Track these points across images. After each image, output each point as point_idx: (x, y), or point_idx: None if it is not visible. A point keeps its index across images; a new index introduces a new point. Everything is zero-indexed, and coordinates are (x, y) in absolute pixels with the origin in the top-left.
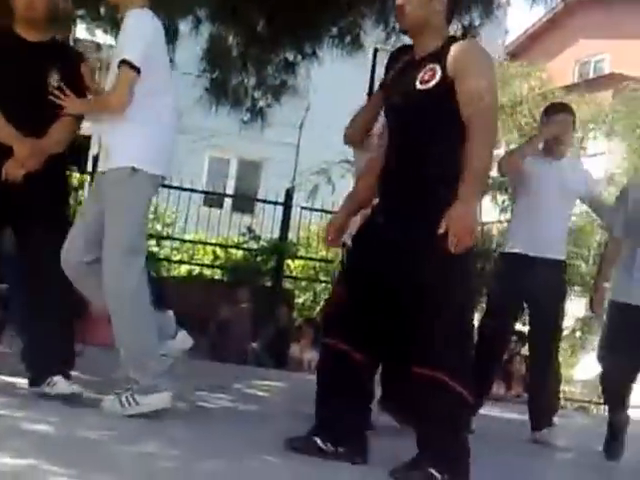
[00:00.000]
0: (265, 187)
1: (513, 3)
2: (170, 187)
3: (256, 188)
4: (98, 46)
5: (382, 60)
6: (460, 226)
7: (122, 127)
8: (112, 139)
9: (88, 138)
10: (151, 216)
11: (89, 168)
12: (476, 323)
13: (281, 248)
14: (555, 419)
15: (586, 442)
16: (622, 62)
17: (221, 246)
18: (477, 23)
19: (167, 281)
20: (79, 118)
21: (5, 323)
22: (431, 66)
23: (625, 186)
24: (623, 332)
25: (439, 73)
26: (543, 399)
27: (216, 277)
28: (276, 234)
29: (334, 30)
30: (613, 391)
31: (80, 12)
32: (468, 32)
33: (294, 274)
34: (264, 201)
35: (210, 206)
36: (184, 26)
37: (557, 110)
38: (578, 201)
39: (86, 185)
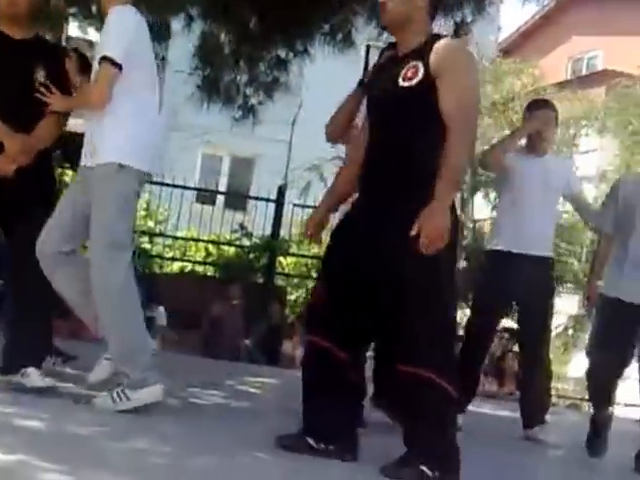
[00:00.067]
0: (257, 184)
1: (506, 0)
2: (162, 184)
3: (248, 185)
4: (90, 44)
5: (374, 57)
6: (432, 227)
7: (108, 123)
8: (99, 135)
9: (82, 135)
10: (143, 213)
11: None
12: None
13: (273, 245)
14: (547, 416)
15: (578, 439)
16: (615, 59)
17: (213, 243)
18: (469, 20)
19: (159, 278)
20: (65, 114)
21: None
22: (414, 63)
23: (615, 182)
24: (612, 327)
25: (422, 70)
26: (534, 396)
27: (208, 274)
28: (268, 231)
29: (326, 27)
30: (598, 386)
31: (72, 10)
32: (460, 29)
33: (286, 271)
34: (256, 198)
35: (202, 203)
36: (176, 24)
37: (539, 106)
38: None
39: None
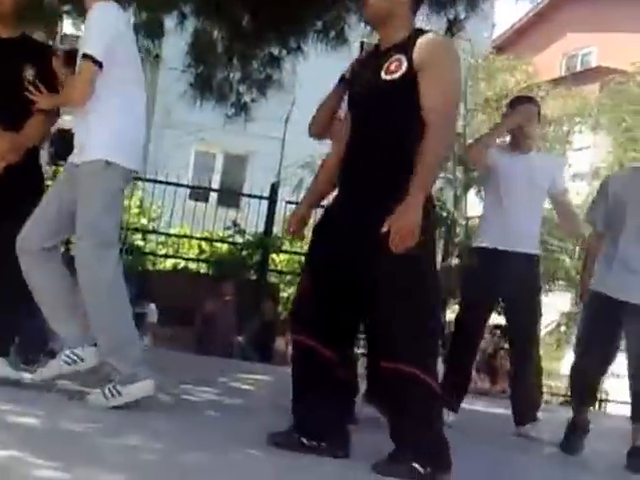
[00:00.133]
0: (251, 181)
1: None
2: (155, 181)
3: (242, 182)
4: None
5: None
6: (402, 224)
7: (93, 120)
8: (84, 132)
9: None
10: (137, 210)
11: None
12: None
13: (266, 242)
14: (539, 414)
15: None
16: (609, 55)
17: (206, 240)
18: (462, 17)
19: (152, 275)
20: (55, 112)
21: None
22: (397, 57)
23: (605, 179)
24: (597, 322)
25: (405, 64)
26: (525, 393)
27: (201, 271)
28: (261, 228)
29: (319, 24)
30: (582, 382)
31: (66, 8)
32: (453, 26)
33: (279, 268)
34: (249, 195)
35: (196, 200)
36: (169, 21)
37: (521, 101)
38: None
39: None
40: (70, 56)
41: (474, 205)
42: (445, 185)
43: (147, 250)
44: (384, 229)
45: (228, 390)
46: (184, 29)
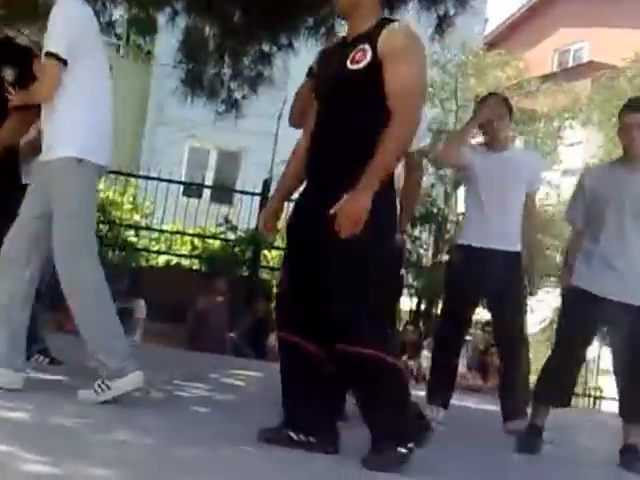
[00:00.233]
0: (244, 177)
1: None
2: (148, 178)
3: (235, 178)
4: None
5: None
6: (347, 211)
7: (60, 116)
8: (52, 129)
9: None
10: (130, 206)
11: None
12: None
13: (258, 238)
14: (529, 410)
15: (562, 434)
16: (602, 50)
17: (199, 236)
18: (452, 13)
19: (145, 271)
20: (32, 113)
21: None
22: (362, 46)
23: (581, 176)
24: (577, 319)
25: (370, 53)
26: (512, 390)
27: (194, 267)
28: (254, 224)
29: (309, 21)
30: (554, 378)
31: None
32: (443, 22)
33: (271, 264)
34: (241, 192)
35: (189, 196)
36: (161, 17)
37: (490, 97)
38: (554, 192)
39: None
40: None
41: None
42: (436, 182)
43: (140, 246)
44: (331, 212)
45: (219, 386)
46: (175, 26)
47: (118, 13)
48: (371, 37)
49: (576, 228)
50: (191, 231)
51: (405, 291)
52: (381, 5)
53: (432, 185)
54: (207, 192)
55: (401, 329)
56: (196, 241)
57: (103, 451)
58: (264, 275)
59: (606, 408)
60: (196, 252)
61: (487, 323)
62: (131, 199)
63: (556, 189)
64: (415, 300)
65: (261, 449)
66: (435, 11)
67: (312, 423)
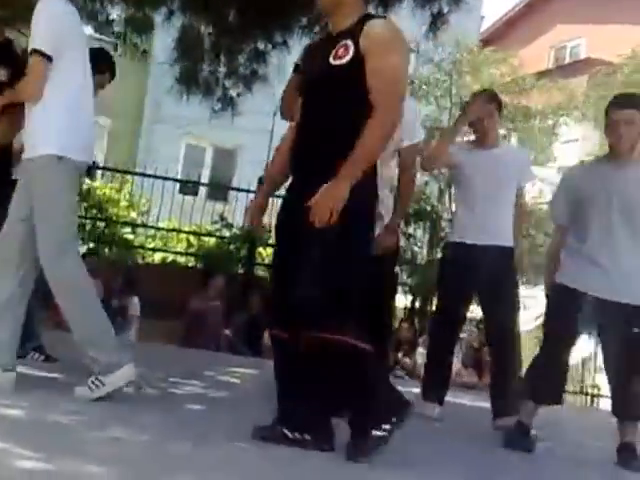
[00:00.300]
0: (240, 174)
1: None
2: (144, 175)
3: (231, 176)
4: None
5: None
6: (321, 201)
7: (42, 114)
8: (33, 126)
9: None
10: (126, 204)
11: None
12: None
13: (253, 236)
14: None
15: (557, 431)
16: (599, 47)
17: (194, 234)
18: (446, 11)
19: (141, 268)
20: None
21: None
22: (345, 42)
23: (565, 174)
24: (562, 316)
25: (352, 49)
26: (502, 387)
27: (190, 265)
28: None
29: (304, 20)
30: (542, 378)
31: None
32: (437, 20)
33: (266, 262)
34: (237, 189)
35: (185, 194)
36: (157, 16)
37: (480, 96)
38: (548, 189)
39: None
40: None
41: None
42: (430, 179)
43: (136, 244)
44: (309, 203)
45: (215, 383)
46: (171, 25)
47: (115, 13)
48: (353, 33)
49: (560, 225)
50: (187, 228)
51: (400, 289)
52: (364, 1)
53: (426, 183)
54: (203, 190)
55: (396, 327)
56: (192, 238)
57: (98, 448)
58: (259, 272)
59: (604, 406)
60: (192, 249)
61: (481, 321)
62: (127, 196)
63: (551, 186)
64: (410, 298)
65: (257, 446)
66: (429, 9)
67: (307, 420)
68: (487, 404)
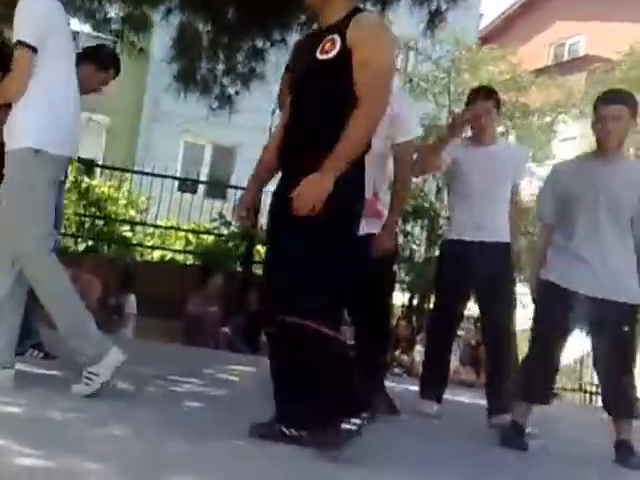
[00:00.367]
0: (239, 172)
1: None
2: (143, 173)
3: (230, 173)
4: (75, 35)
5: None
6: (303, 192)
7: (23, 109)
8: (14, 120)
9: None
10: (125, 202)
11: None
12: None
13: (251, 233)
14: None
15: (555, 430)
16: (598, 44)
17: (193, 232)
18: (444, 8)
19: (140, 266)
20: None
21: None
22: (331, 36)
23: (552, 170)
24: (549, 314)
25: (339, 43)
26: (497, 385)
27: (188, 262)
28: None
29: (302, 17)
30: (532, 378)
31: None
32: (435, 17)
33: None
34: (235, 187)
35: (184, 192)
36: (155, 15)
37: (478, 94)
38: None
39: None
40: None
41: None
42: (427, 176)
43: (135, 241)
44: (292, 194)
45: (214, 381)
46: (169, 22)
47: (113, 11)
48: (340, 27)
49: (546, 223)
50: (185, 226)
51: (397, 286)
52: None
53: (424, 180)
54: (202, 187)
55: (394, 324)
56: (190, 236)
57: (97, 445)
58: (258, 270)
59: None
60: (190, 247)
61: (479, 318)
62: (126, 194)
63: None
64: (408, 295)
65: (255, 444)
66: (427, 6)
67: (304, 418)
68: (485, 402)
